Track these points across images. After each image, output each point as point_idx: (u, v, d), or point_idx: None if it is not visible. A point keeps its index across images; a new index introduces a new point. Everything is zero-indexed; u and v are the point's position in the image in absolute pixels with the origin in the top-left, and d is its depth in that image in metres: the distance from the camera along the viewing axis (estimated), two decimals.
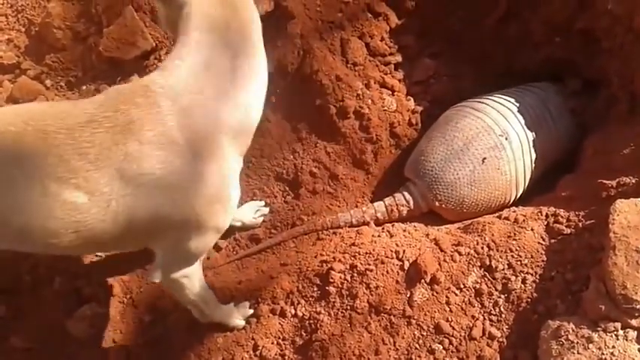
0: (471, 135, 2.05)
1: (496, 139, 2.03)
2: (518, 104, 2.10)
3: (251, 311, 1.90)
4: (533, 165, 2.09)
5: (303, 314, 1.84)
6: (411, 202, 2.12)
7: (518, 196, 2.12)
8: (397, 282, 1.80)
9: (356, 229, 2.04)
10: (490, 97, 2.15)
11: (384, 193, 2.21)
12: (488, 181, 2.05)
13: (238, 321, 1.88)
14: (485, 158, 2.02)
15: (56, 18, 2.52)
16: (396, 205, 2.12)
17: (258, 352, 1.83)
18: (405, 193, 2.13)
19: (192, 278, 1.71)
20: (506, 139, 2.03)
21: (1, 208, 1.37)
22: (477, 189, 2.05)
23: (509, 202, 2.11)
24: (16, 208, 1.37)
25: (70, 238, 1.40)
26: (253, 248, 2.09)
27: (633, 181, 1.76)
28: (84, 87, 2.49)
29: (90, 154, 1.34)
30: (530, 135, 2.07)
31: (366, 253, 1.87)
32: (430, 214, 2.14)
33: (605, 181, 1.82)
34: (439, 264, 1.80)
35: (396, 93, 2.26)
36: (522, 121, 2.08)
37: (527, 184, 2.11)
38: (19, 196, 1.36)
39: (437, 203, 2.08)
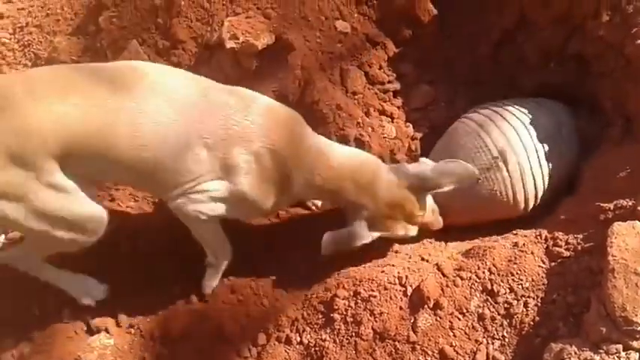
0: (469, 155, 2.08)
1: (491, 160, 2.06)
2: (528, 122, 2.10)
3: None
4: (543, 183, 2.09)
5: (309, 341, 1.86)
6: None
7: (524, 211, 2.13)
8: (401, 308, 1.82)
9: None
10: (498, 109, 2.14)
11: None
12: (484, 201, 2.09)
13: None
14: (479, 180, 2.05)
15: (62, 53, 2.57)
16: None
17: None
18: None
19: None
20: (502, 160, 2.05)
21: None
22: (474, 207, 2.11)
23: (516, 216, 2.12)
24: None
25: None
26: None
27: (630, 203, 1.78)
28: None
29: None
30: (535, 156, 2.08)
31: (369, 279, 1.89)
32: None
33: (602, 204, 1.85)
34: (442, 289, 1.82)
35: (395, 120, 2.30)
36: (527, 141, 2.07)
37: (533, 202, 2.11)
38: None
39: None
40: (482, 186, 2.07)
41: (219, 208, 1.85)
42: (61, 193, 1.67)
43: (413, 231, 1.98)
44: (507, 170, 2.05)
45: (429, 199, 1.98)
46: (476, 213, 2.14)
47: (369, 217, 1.89)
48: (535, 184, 2.08)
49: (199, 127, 1.72)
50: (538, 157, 2.08)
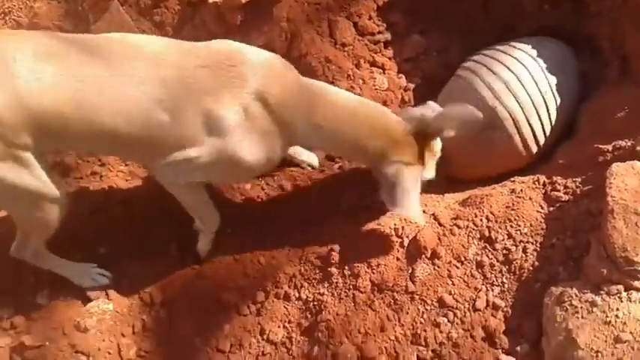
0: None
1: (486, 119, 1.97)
2: (528, 62, 2.04)
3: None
4: (539, 131, 2.04)
5: (307, 296, 1.85)
6: None
7: (531, 157, 2.08)
8: (398, 259, 1.81)
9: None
10: (496, 54, 2.08)
11: None
12: (486, 158, 2.08)
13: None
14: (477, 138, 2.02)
15: (43, 18, 2.51)
16: None
17: (265, 336, 1.84)
18: None
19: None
20: (496, 116, 2.00)
21: None
22: (479, 164, 2.10)
23: (521, 164, 2.09)
24: None
25: None
26: None
27: (629, 144, 1.75)
28: None
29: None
30: (540, 97, 2.01)
31: (365, 232, 1.87)
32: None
33: (601, 146, 1.82)
34: (439, 238, 1.80)
35: (386, 71, 2.26)
36: (527, 85, 2.01)
37: (538, 148, 2.06)
38: None
39: (451, 174, 2.15)
40: (482, 145, 2.03)
41: (206, 176, 1.82)
42: (22, 168, 1.64)
43: (431, 172, 1.89)
44: (504, 125, 2.00)
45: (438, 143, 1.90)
46: (482, 168, 2.11)
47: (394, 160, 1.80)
48: (534, 133, 2.03)
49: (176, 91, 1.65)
50: (544, 99, 2.02)
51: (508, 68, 2.03)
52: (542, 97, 2.02)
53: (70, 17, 2.50)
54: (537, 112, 2.01)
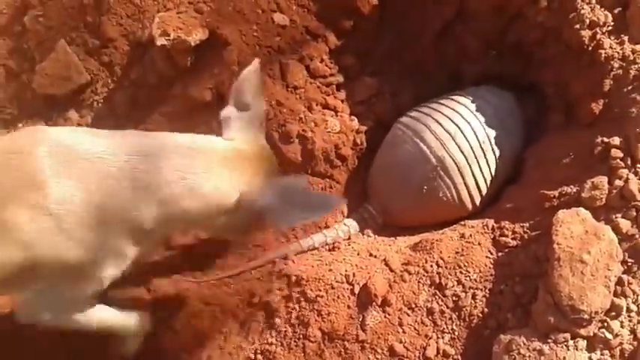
0: (408, 167, 2.06)
1: (432, 171, 2.02)
2: (466, 115, 2.06)
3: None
4: (481, 184, 2.06)
5: (256, 349, 1.80)
6: (374, 220, 2.18)
7: (474, 209, 2.10)
8: (349, 307, 1.78)
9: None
10: (432, 113, 2.10)
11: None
12: (432, 209, 2.08)
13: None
14: (425, 188, 2.04)
15: None
16: (363, 220, 2.17)
17: None
18: (368, 211, 2.18)
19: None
20: (442, 169, 2.02)
21: None
22: (424, 215, 2.11)
23: (465, 214, 2.09)
24: None
25: None
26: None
27: (574, 190, 1.77)
28: (20, 125, 2.41)
29: None
30: (475, 154, 2.03)
31: (316, 279, 1.84)
32: None
33: (547, 192, 1.84)
34: (389, 285, 1.78)
35: (339, 114, 2.24)
36: (463, 142, 2.02)
37: (478, 200, 2.08)
38: None
39: (392, 222, 2.17)
40: (428, 196, 2.04)
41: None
42: None
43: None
44: (449, 176, 2.02)
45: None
46: (425, 216, 2.13)
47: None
48: (478, 184, 2.06)
49: None
50: (483, 152, 2.04)
51: (451, 120, 2.05)
52: (482, 148, 2.05)
53: (16, 55, 2.44)
54: (478, 163, 2.04)
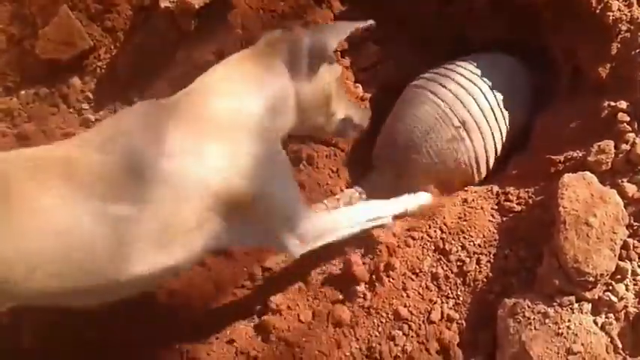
0: (429, 126, 2.02)
1: (454, 132, 2.00)
2: (481, 83, 2.06)
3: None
4: (498, 146, 2.06)
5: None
6: (381, 188, 2.11)
7: (484, 175, 2.09)
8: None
9: None
10: (450, 74, 2.09)
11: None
12: (448, 173, 2.05)
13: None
14: (444, 150, 2.02)
15: None
16: (368, 190, 2.13)
17: None
18: (374, 180, 2.15)
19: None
20: (464, 130, 2.00)
21: None
22: (437, 180, 2.06)
23: (473, 181, 2.08)
24: None
25: None
26: None
27: (580, 154, 1.77)
28: (22, 92, 2.40)
29: None
30: (493, 118, 2.03)
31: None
32: None
33: (553, 157, 1.83)
34: (394, 250, 1.78)
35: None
36: (484, 105, 2.03)
37: (492, 164, 2.08)
38: None
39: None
40: (446, 158, 2.02)
41: None
42: None
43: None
44: (470, 139, 2.00)
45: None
46: (441, 183, 2.07)
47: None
48: (496, 148, 2.05)
49: None
50: (496, 118, 2.03)
51: (472, 82, 2.04)
52: (498, 111, 2.04)
53: (18, 21, 2.42)
54: (498, 125, 2.04)
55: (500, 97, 2.05)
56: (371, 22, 1.76)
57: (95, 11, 2.27)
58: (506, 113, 2.06)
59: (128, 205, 1.30)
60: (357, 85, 2.27)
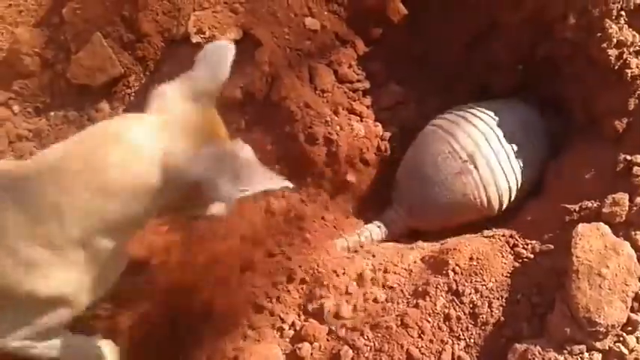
0: (438, 161, 2.09)
1: (461, 165, 2.06)
2: (493, 124, 2.12)
3: None
4: (511, 184, 2.10)
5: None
6: (398, 224, 2.21)
7: (497, 212, 2.13)
8: None
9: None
10: (464, 114, 2.16)
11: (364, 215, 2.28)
12: (458, 206, 2.10)
13: None
14: (453, 184, 2.07)
15: (24, 44, 2.50)
16: (386, 226, 2.20)
17: None
18: (392, 215, 2.22)
19: None
20: (472, 164, 2.06)
21: None
22: (449, 213, 2.13)
23: (486, 217, 2.13)
24: None
25: None
26: None
27: (595, 205, 1.80)
28: (52, 113, 2.46)
29: None
30: (505, 156, 2.08)
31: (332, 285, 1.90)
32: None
33: (568, 206, 1.86)
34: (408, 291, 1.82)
35: (364, 119, 2.28)
36: (495, 141, 2.09)
37: (505, 203, 2.12)
38: None
39: (417, 226, 2.21)
40: (454, 191, 2.08)
41: None
42: None
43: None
44: (478, 173, 2.06)
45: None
46: (449, 218, 2.16)
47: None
48: (509, 183, 2.09)
49: None
50: (508, 157, 2.08)
51: (483, 121, 2.11)
52: (511, 153, 2.09)
53: (52, 46, 2.49)
54: (510, 164, 2.09)
55: (512, 138, 2.11)
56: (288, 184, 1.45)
57: (127, 40, 2.35)
58: (519, 155, 2.10)
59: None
60: (377, 123, 2.32)
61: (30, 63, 2.51)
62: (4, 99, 2.53)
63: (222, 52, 1.45)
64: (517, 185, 2.11)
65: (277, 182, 1.41)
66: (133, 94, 2.37)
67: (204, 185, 1.32)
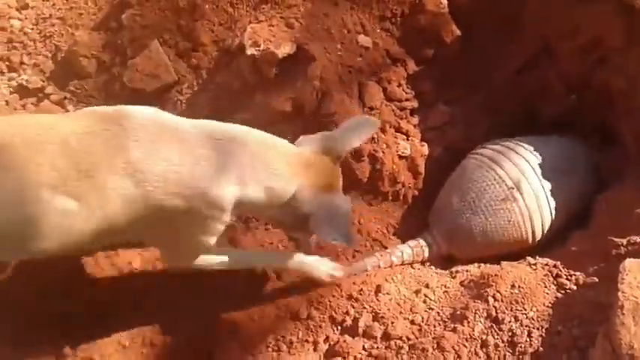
0: (483, 187, 2.09)
1: (507, 192, 2.05)
2: (538, 153, 2.12)
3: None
4: (553, 216, 2.09)
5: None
6: (433, 248, 2.19)
7: (536, 243, 2.12)
8: None
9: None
10: (509, 144, 2.16)
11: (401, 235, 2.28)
12: (500, 233, 2.09)
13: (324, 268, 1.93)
14: (497, 210, 2.06)
15: (83, 46, 2.58)
16: (420, 248, 2.18)
17: None
18: (427, 239, 2.20)
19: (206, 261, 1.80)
20: (517, 190, 2.05)
21: None
22: (490, 240, 2.11)
23: (526, 248, 2.11)
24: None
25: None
26: None
27: None
28: None
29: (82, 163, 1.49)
30: (549, 186, 2.08)
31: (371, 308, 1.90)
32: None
33: (615, 239, 1.83)
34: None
35: (410, 138, 2.29)
36: (540, 172, 2.08)
37: (546, 234, 2.11)
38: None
39: (453, 252, 2.18)
40: (497, 217, 2.07)
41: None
42: None
43: None
44: (523, 200, 2.05)
45: None
46: (488, 246, 2.14)
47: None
48: (551, 213, 2.08)
49: None
50: (553, 187, 2.07)
51: (530, 152, 2.12)
52: (556, 184, 2.09)
53: (109, 49, 2.57)
54: (554, 195, 2.07)
55: (558, 168, 2.10)
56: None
57: (183, 48, 2.41)
58: (564, 186, 2.09)
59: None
60: (423, 143, 2.32)
61: (87, 64, 2.59)
62: (60, 98, 2.61)
63: (366, 125, 1.81)
64: (560, 214, 2.10)
65: (351, 241, 1.75)
66: (184, 101, 2.42)
67: (312, 220, 1.67)
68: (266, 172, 1.64)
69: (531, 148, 2.13)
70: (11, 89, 2.66)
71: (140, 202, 1.53)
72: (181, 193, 1.56)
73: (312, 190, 1.68)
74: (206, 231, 1.68)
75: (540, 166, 2.09)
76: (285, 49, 2.13)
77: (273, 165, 1.65)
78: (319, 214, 1.67)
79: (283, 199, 1.67)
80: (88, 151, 1.50)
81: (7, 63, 2.71)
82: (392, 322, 1.84)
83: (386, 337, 1.82)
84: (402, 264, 2.14)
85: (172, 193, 1.55)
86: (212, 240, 1.72)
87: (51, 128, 1.53)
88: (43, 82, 2.66)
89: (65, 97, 2.61)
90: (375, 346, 1.82)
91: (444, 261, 2.21)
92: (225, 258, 1.83)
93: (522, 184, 2.05)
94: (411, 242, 2.20)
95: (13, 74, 2.69)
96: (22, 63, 2.70)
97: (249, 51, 2.12)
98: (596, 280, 1.77)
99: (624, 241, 1.80)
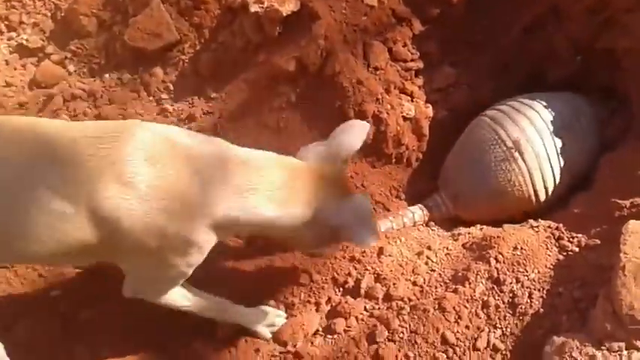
0: (484, 148, 2.09)
1: (506, 152, 2.05)
2: (542, 110, 2.10)
3: (282, 320, 1.86)
4: (556, 174, 2.08)
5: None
6: (442, 209, 2.22)
7: (541, 204, 2.11)
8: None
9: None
10: (513, 104, 2.15)
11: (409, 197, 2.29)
12: (501, 193, 2.09)
13: (263, 329, 1.84)
14: (497, 171, 2.06)
15: (83, 5, 2.54)
16: (430, 209, 2.21)
17: None
18: (437, 200, 2.22)
19: (173, 297, 1.70)
20: (517, 150, 2.04)
21: None
22: (494, 201, 2.12)
23: (531, 209, 2.11)
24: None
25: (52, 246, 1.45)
26: None
27: None
28: (106, 75, 2.49)
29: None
30: (552, 143, 2.07)
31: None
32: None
33: (618, 201, 1.82)
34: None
35: (415, 99, 2.27)
36: (542, 130, 2.07)
37: (550, 194, 2.10)
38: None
39: (460, 213, 2.20)
40: (498, 177, 2.07)
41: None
42: None
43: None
44: (523, 160, 2.04)
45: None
46: (494, 207, 2.14)
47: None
48: (553, 173, 2.07)
49: None
50: (555, 145, 2.06)
51: (531, 107, 2.11)
52: (559, 142, 2.08)
53: (110, 7, 2.53)
54: (557, 152, 2.07)
55: (561, 128, 2.08)
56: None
57: (185, 6, 2.36)
58: (567, 143, 2.08)
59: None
60: (428, 105, 2.30)
61: (87, 23, 2.55)
62: (60, 58, 2.58)
63: (359, 128, 1.78)
64: (561, 176, 2.09)
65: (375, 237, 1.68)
66: (187, 60, 2.39)
67: (343, 231, 1.64)
68: (289, 195, 1.59)
69: (536, 106, 2.11)
70: (11, 49, 2.63)
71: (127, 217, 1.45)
72: (173, 217, 1.47)
73: (335, 202, 1.64)
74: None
75: (544, 122, 2.08)
76: (289, 7, 2.09)
77: (293, 186, 1.60)
78: (350, 222, 1.63)
79: (307, 218, 1.62)
80: (91, 156, 1.43)
81: (5, 22, 2.67)
82: (394, 284, 1.86)
83: (387, 298, 1.84)
84: (413, 225, 2.16)
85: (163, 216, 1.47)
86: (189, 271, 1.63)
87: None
88: (43, 41, 2.62)
89: (66, 57, 2.58)
90: (377, 306, 1.84)
91: (451, 223, 2.22)
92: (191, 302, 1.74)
93: (522, 143, 2.04)
94: (421, 205, 2.22)
95: (13, 34, 2.65)
96: (21, 22, 2.66)
97: (253, 8, 2.08)
98: (599, 242, 1.77)
99: (627, 203, 1.80)
